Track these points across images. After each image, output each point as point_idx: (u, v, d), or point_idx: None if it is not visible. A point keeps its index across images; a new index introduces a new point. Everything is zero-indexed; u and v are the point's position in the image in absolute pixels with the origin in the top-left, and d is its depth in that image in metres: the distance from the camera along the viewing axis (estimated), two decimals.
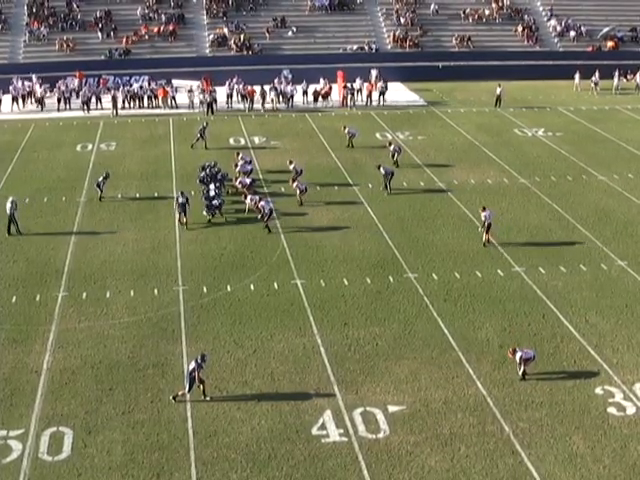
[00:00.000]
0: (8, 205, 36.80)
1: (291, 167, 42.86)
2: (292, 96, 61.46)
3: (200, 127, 50.66)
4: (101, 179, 41.22)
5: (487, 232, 35.53)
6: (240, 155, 44.49)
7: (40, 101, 60.38)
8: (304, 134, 54.08)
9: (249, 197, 38.69)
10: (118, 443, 22.63)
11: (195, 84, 62.62)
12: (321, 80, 63.02)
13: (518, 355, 25.58)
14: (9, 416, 23.75)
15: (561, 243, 36.07)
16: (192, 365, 24.44)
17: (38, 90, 60.82)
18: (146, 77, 64.08)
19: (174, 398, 24.48)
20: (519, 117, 58.77)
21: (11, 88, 60.70)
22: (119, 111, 59.12)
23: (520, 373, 25.65)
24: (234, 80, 61.54)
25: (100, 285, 32.03)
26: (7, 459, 21.95)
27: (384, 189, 42.03)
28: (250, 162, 44.38)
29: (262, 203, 37.42)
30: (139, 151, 50.16)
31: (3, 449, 22.32)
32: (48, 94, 61.73)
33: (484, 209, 35.92)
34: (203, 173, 41.87)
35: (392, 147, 46.54)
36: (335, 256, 34.66)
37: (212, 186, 39.67)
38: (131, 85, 62.50)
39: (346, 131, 50.57)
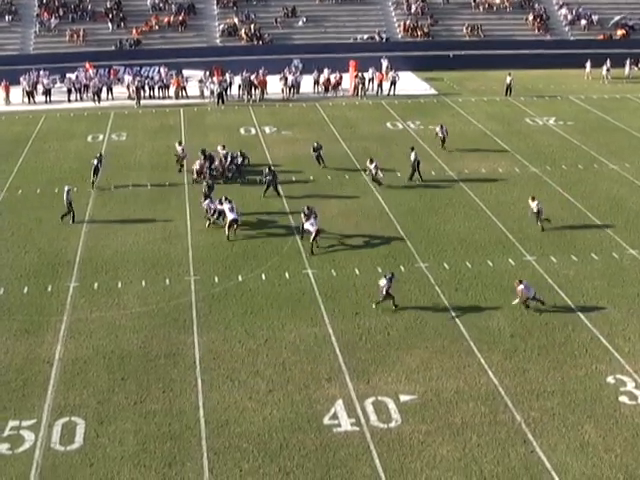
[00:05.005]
0: (65, 195, 36.97)
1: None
2: (295, 85, 61.42)
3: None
4: (96, 162, 41.05)
5: (539, 218, 35.97)
6: (225, 147, 43.71)
7: (46, 93, 60.47)
8: (315, 124, 53.98)
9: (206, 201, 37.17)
10: (130, 433, 22.71)
11: (203, 74, 62.46)
12: (325, 70, 62.58)
13: (521, 287, 28.86)
14: (22, 406, 23.85)
15: (572, 232, 35.96)
16: (384, 281, 28.96)
17: (44, 82, 60.80)
18: (157, 67, 64.02)
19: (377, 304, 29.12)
20: (530, 106, 58.57)
21: (21, 79, 60.53)
22: (134, 101, 59.04)
23: (514, 302, 29.11)
24: (261, 71, 61.32)
25: (112, 275, 32.09)
26: (20, 449, 22.05)
27: (409, 179, 41.85)
28: (235, 157, 43.15)
29: (310, 223, 34.39)
30: (150, 142, 50.14)
31: (16, 439, 22.42)
32: (58, 84, 61.79)
33: (533, 199, 36.24)
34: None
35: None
36: (346, 246, 34.66)
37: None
38: (141, 75, 62.41)
39: (444, 130, 48.11)
